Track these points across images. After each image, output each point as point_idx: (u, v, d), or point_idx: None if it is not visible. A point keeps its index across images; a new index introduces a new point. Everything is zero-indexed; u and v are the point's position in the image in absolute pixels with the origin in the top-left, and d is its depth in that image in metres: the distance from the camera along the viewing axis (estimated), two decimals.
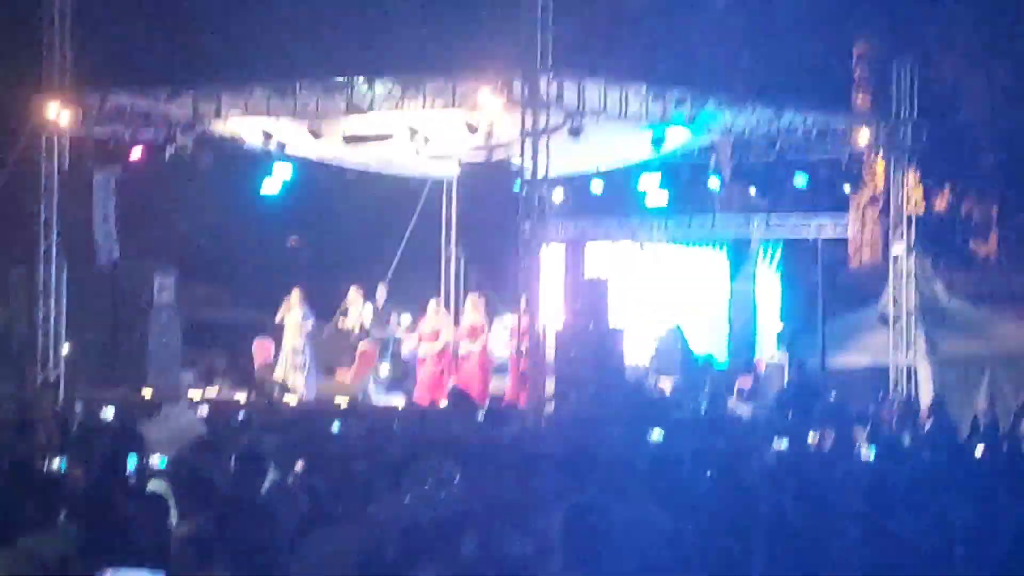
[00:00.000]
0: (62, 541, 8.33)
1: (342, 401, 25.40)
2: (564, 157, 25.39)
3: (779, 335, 31.35)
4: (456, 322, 28.26)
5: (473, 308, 27.18)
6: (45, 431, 14.74)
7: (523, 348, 24.62)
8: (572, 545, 6.84)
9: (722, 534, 9.70)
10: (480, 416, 19.90)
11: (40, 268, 28.28)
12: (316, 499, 10.52)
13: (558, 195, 28.71)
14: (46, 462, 11.76)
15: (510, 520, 7.60)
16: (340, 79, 25.33)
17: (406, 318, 29.38)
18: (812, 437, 18.69)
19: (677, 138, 26.90)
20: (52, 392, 24.77)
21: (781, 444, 16.63)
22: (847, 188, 30.47)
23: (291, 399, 26.50)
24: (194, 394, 26.27)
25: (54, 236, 28.10)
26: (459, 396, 20.16)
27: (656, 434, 16.05)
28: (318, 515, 9.62)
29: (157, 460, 12.31)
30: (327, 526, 8.41)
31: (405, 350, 29.22)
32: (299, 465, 12.88)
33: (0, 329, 32.16)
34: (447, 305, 30.50)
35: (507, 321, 27.26)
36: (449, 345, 27.38)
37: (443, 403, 24.26)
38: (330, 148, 26.72)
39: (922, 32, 36.47)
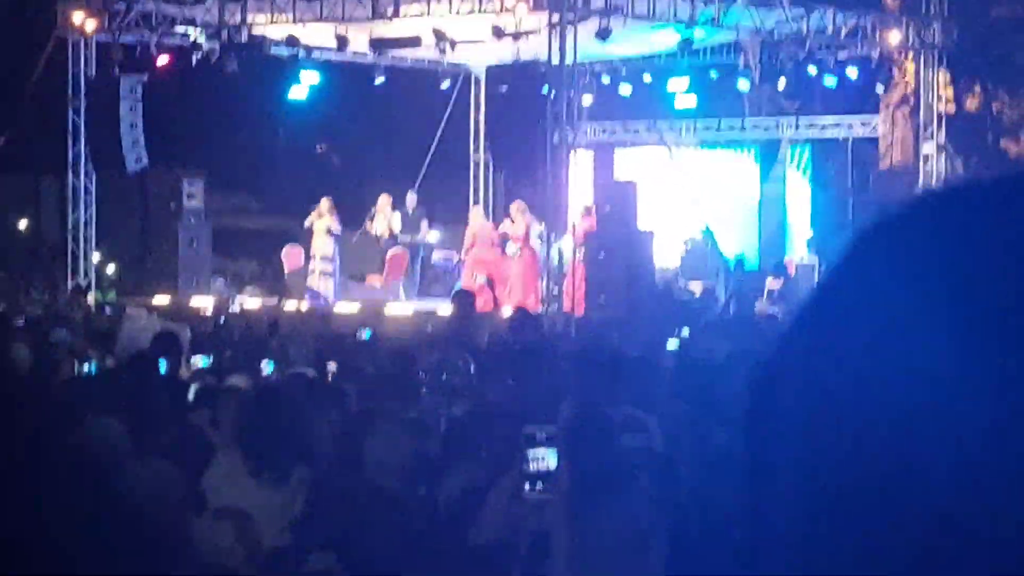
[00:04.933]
0: (96, 434, 8.39)
1: (371, 307, 25.47)
2: (590, 50, 25.29)
3: (809, 240, 31.28)
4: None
5: (520, 213, 26.96)
6: (76, 335, 14.83)
7: (580, 256, 24.60)
8: (575, 445, 6.88)
9: (749, 436, 9.70)
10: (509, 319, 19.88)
11: (69, 175, 28.35)
12: (347, 400, 10.56)
13: (586, 99, 28.60)
14: (75, 364, 11.86)
15: (527, 416, 7.65)
16: None
17: (434, 233, 29.37)
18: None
19: (704, 35, 26.77)
20: (83, 297, 24.88)
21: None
22: (878, 88, 30.25)
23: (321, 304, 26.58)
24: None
25: (82, 143, 28.13)
26: (464, 297, 19.98)
27: (684, 333, 16.06)
28: (356, 415, 9.66)
29: (199, 360, 12.49)
30: (368, 424, 8.44)
31: (438, 256, 29.28)
32: (332, 366, 12.98)
33: (30, 237, 32.28)
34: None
35: (533, 227, 27.22)
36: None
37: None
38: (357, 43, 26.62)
39: None
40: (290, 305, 26.20)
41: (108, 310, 23.55)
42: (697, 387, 11.06)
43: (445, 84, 30.68)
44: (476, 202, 31.39)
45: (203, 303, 25.10)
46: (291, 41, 26.82)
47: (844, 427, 1.18)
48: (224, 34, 27.06)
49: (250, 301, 26.90)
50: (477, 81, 31.59)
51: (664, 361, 12.52)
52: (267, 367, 12.97)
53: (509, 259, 26.70)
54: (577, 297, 24.38)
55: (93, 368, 11.52)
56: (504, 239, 26.94)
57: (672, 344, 14.59)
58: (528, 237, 26.42)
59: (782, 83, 28.80)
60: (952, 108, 29.96)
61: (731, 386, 11.62)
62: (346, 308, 26.00)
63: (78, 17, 27.47)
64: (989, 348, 1.18)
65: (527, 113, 28.51)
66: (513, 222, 26.63)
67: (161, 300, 26.16)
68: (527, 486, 6.59)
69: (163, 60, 27.57)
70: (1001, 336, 1.19)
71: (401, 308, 26.09)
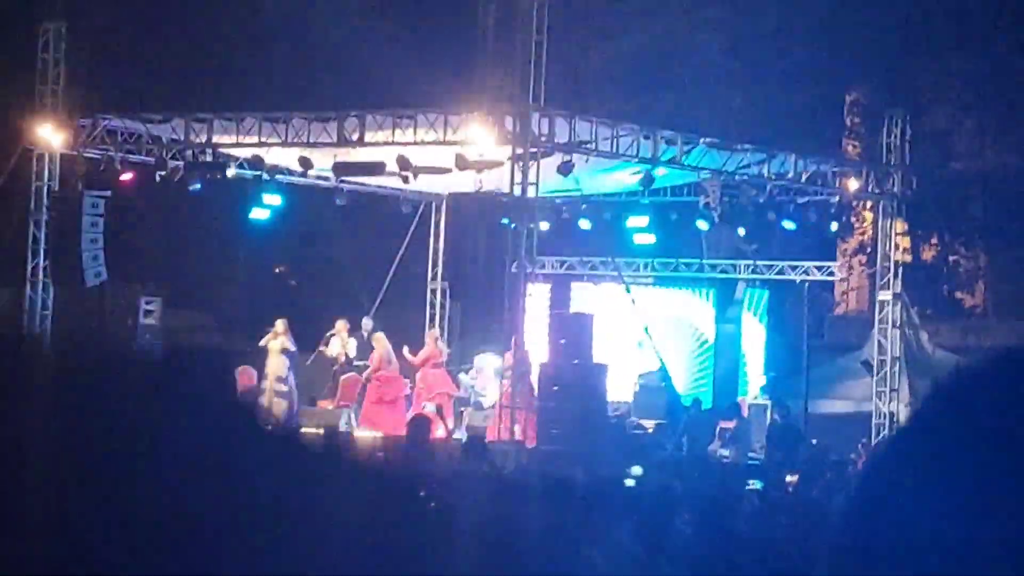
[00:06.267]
0: None
1: (321, 431, 25.35)
2: (552, 183, 25.51)
3: (764, 379, 31.38)
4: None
5: (431, 340, 27.71)
6: None
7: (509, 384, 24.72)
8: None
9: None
10: (462, 448, 19.88)
11: (27, 288, 28.26)
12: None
13: (545, 226, 28.78)
14: None
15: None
16: (331, 113, 25.38)
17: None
18: (791, 478, 18.71)
19: (665, 174, 27.06)
20: None
21: (756, 485, 16.64)
22: (835, 229, 30.52)
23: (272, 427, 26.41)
24: None
25: (42, 256, 28.09)
26: (419, 423, 20.12)
27: (636, 471, 16.06)
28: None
29: None
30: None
31: None
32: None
33: None
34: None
35: (489, 359, 27.32)
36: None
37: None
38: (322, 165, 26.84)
39: (914, 83, 36.62)
40: None
41: None
42: (648, 525, 11.06)
43: (406, 209, 30.80)
44: (431, 327, 31.51)
45: None
46: (255, 162, 26.92)
47: None
48: (189, 153, 27.16)
49: None
50: (438, 208, 31.72)
51: (615, 496, 12.51)
52: None
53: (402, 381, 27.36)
54: (505, 425, 24.56)
55: None
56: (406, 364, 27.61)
57: (627, 481, 14.58)
58: (428, 363, 26.93)
59: (741, 229, 29.03)
60: (909, 257, 30.27)
61: (683, 527, 11.62)
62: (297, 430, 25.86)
63: (44, 131, 27.54)
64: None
65: (486, 242, 28.67)
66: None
67: None
68: None
69: (127, 176, 27.60)
70: None
71: (353, 433, 26.02)
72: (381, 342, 27.77)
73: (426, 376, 27.60)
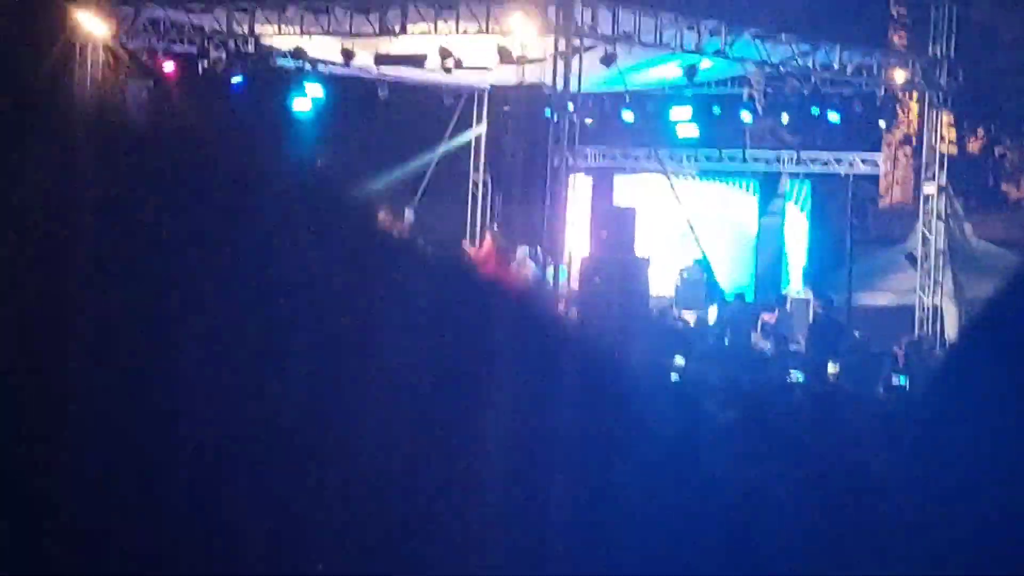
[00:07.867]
0: None
1: None
2: (596, 76, 25.34)
3: (805, 272, 31.28)
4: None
5: None
6: None
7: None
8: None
9: (744, 466, 9.69)
10: None
11: None
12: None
13: (589, 122, 28.59)
14: None
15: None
16: (373, 2, 25.25)
17: None
18: (832, 367, 18.69)
19: (709, 66, 26.84)
20: None
21: (798, 377, 16.63)
22: (881, 125, 30.29)
23: None
24: None
25: None
26: None
27: (678, 361, 16.08)
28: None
29: None
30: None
31: None
32: None
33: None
34: (473, 231, 30.76)
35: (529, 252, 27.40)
36: None
37: None
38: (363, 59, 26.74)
39: None
40: None
41: None
42: (688, 413, 11.07)
43: (448, 101, 30.73)
44: (471, 221, 31.60)
45: None
46: (297, 53, 26.83)
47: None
48: (231, 43, 27.09)
49: None
50: (480, 100, 31.62)
51: (655, 385, 12.52)
52: None
53: None
54: None
55: None
56: None
57: (672, 375, 14.59)
58: None
59: (785, 117, 28.85)
60: (954, 150, 30.02)
61: (723, 416, 11.62)
62: None
63: (86, 20, 27.50)
64: None
65: (529, 135, 28.53)
66: None
67: None
68: None
69: (169, 67, 27.59)
70: None
71: None
72: None
73: None
